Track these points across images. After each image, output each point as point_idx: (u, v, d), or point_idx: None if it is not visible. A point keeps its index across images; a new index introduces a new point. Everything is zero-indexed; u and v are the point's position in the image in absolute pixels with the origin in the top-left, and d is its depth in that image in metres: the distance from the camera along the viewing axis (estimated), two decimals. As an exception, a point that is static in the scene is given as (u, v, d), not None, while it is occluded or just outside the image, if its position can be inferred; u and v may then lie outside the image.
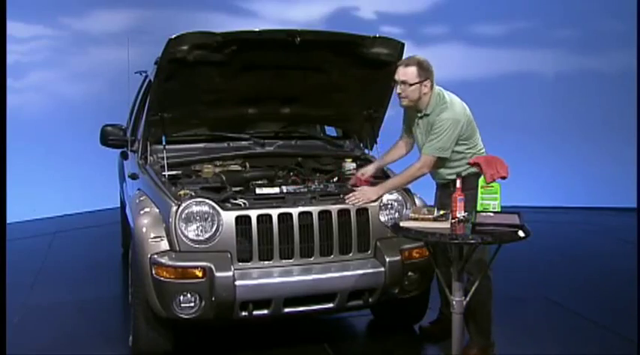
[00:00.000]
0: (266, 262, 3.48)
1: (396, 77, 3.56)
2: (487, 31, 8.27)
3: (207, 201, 3.47)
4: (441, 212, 3.16)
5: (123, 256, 5.88)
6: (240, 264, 3.43)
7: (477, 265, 3.37)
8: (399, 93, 3.58)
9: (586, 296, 4.85)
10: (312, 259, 3.54)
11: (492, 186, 3.25)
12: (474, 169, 3.51)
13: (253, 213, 3.47)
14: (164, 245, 3.43)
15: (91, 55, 8.40)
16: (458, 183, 3.15)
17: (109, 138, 4.66)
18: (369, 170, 3.93)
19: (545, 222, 7.19)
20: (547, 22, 8.35)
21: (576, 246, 6.65)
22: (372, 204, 3.66)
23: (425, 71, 3.52)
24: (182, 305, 3.34)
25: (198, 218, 3.44)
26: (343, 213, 3.59)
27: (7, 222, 6.69)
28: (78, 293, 5.06)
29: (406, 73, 3.52)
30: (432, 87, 3.56)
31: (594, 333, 4.13)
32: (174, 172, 3.93)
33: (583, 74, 8.42)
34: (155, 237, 3.45)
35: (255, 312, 3.42)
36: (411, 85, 3.50)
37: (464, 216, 3.09)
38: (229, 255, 3.41)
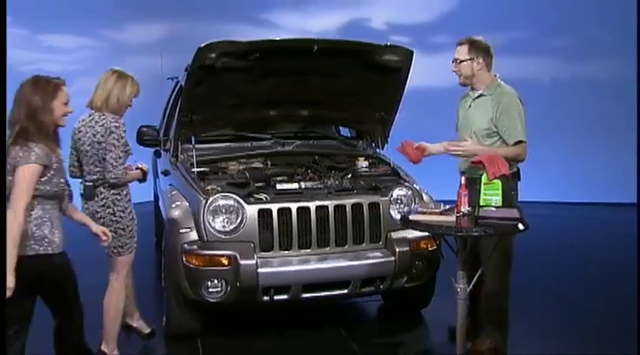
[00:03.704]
0: (286, 251, 3.47)
1: (454, 56, 3.43)
2: (488, 40, 8.14)
3: (232, 195, 3.47)
4: (447, 207, 3.11)
5: (156, 244, 5.88)
6: (263, 253, 3.42)
7: (496, 261, 3.31)
8: (455, 71, 3.44)
9: (586, 288, 4.76)
10: (328, 249, 3.52)
11: (494, 183, 3.19)
12: None
13: (274, 207, 3.47)
14: (193, 235, 3.44)
15: (128, 63, 8.36)
16: (463, 180, 3.11)
17: (144, 137, 4.67)
18: (430, 147, 3.47)
19: (546, 216, 7.08)
20: (543, 32, 8.26)
21: (576, 239, 6.52)
22: (383, 198, 3.63)
23: (477, 50, 3.36)
24: (210, 289, 3.36)
25: (224, 211, 3.44)
26: (357, 207, 3.57)
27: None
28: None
29: (458, 51, 3.40)
30: (487, 66, 3.40)
31: (593, 322, 4.05)
32: (202, 169, 3.92)
33: (577, 80, 8.32)
34: (185, 228, 3.47)
35: (276, 297, 3.42)
36: (462, 61, 3.37)
37: (468, 211, 3.04)
38: (252, 245, 3.40)
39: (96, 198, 3.25)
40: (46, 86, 2.58)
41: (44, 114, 2.55)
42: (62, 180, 2.62)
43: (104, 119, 3.24)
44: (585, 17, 8.05)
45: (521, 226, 2.88)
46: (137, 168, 3.45)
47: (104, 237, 2.90)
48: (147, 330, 3.68)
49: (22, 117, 2.53)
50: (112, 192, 3.26)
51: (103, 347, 3.30)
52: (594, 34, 8.14)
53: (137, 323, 3.69)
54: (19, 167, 2.46)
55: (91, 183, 3.26)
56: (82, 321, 2.71)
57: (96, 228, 2.92)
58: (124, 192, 3.31)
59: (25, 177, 2.45)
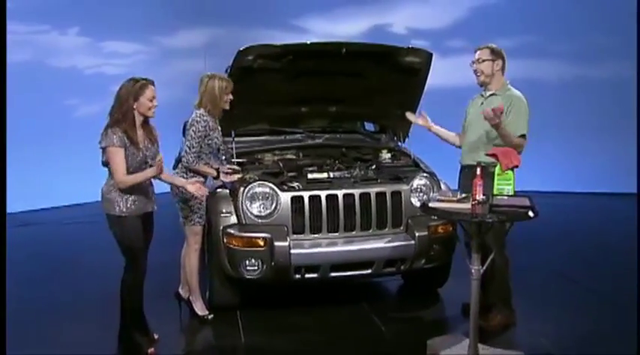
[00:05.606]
0: (316, 234, 3.45)
1: (473, 59, 3.44)
2: (500, 44, 7.88)
3: (268, 183, 3.45)
4: (464, 195, 3.04)
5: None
6: (295, 235, 3.41)
7: (495, 243, 3.23)
8: (475, 71, 3.44)
9: (587, 269, 4.61)
10: (353, 233, 3.49)
11: (507, 174, 3.12)
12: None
13: (306, 194, 3.44)
14: (233, 219, 3.45)
15: (175, 65, 8.47)
16: (478, 171, 3.02)
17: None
18: (437, 128, 3.67)
19: (550, 204, 6.86)
20: (550, 38, 8.12)
21: (578, 225, 6.33)
22: (405, 187, 3.58)
23: (496, 54, 3.42)
24: (247, 268, 3.35)
25: (260, 197, 3.43)
26: (380, 195, 3.52)
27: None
28: (168, 255, 4.85)
29: (480, 53, 3.43)
30: (502, 69, 3.44)
31: (594, 300, 3.93)
32: (241, 160, 3.90)
33: (581, 80, 8.15)
34: (226, 213, 3.47)
35: (306, 275, 3.40)
36: (484, 60, 3.39)
37: (482, 199, 2.96)
38: (286, 228, 3.39)
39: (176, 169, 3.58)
40: (133, 86, 2.90)
41: (129, 109, 2.87)
42: (138, 159, 2.90)
43: (196, 114, 3.44)
44: (589, 24, 7.89)
45: (531, 213, 2.80)
46: (218, 171, 3.54)
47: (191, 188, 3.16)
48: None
49: (114, 110, 2.89)
50: (183, 168, 3.48)
51: (179, 289, 3.71)
52: (597, 39, 7.97)
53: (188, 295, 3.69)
54: (107, 148, 2.85)
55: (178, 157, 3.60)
56: (141, 275, 3.00)
57: (180, 182, 3.24)
58: (191, 173, 3.45)
59: (112, 156, 2.85)
